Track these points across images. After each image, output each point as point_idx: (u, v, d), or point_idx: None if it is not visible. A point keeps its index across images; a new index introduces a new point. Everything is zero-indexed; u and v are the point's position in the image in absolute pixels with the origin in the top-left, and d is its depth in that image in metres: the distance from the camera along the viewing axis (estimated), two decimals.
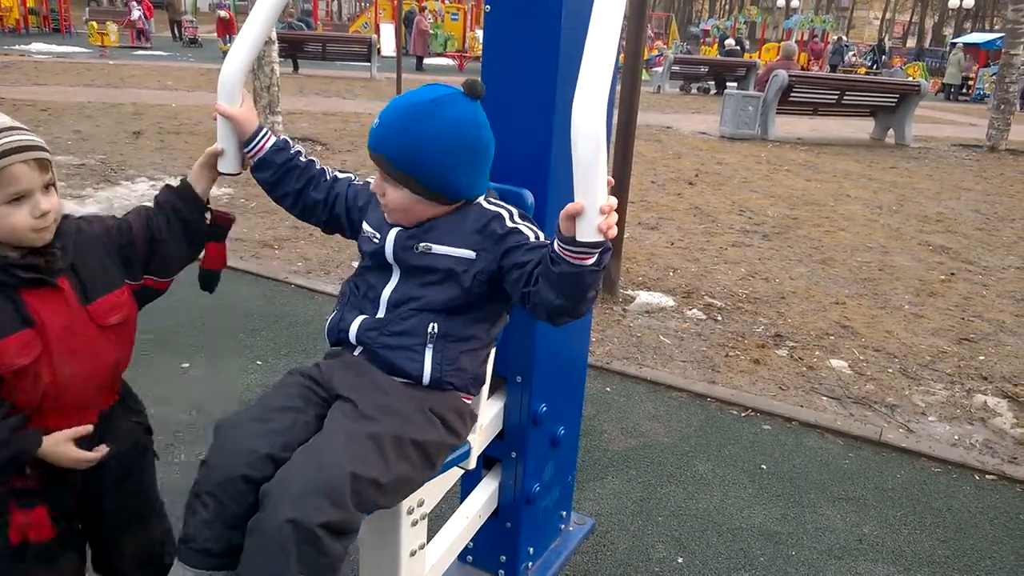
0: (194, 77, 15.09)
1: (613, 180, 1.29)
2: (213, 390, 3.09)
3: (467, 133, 1.45)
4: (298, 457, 1.32)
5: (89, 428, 1.42)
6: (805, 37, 33.13)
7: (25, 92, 11.32)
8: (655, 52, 23.79)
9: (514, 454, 1.94)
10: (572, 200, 1.23)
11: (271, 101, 7.95)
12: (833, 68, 28.39)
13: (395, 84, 10.46)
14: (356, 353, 1.54)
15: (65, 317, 1.36)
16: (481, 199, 1.55)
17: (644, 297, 4.43)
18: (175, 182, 1.63)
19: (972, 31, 40.98)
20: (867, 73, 27.50)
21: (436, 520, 1.79)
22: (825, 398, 3.41)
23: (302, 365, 1.57)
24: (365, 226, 1.60)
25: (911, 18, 58.07)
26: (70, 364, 1.37)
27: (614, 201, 1.24)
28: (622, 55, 4.53)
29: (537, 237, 1.49)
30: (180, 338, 3.55)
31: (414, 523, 1.54)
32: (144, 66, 17.17)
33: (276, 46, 8.22)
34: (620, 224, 4.42)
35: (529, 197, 1.67)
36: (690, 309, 4.36)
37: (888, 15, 58.58)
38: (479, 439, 1.72)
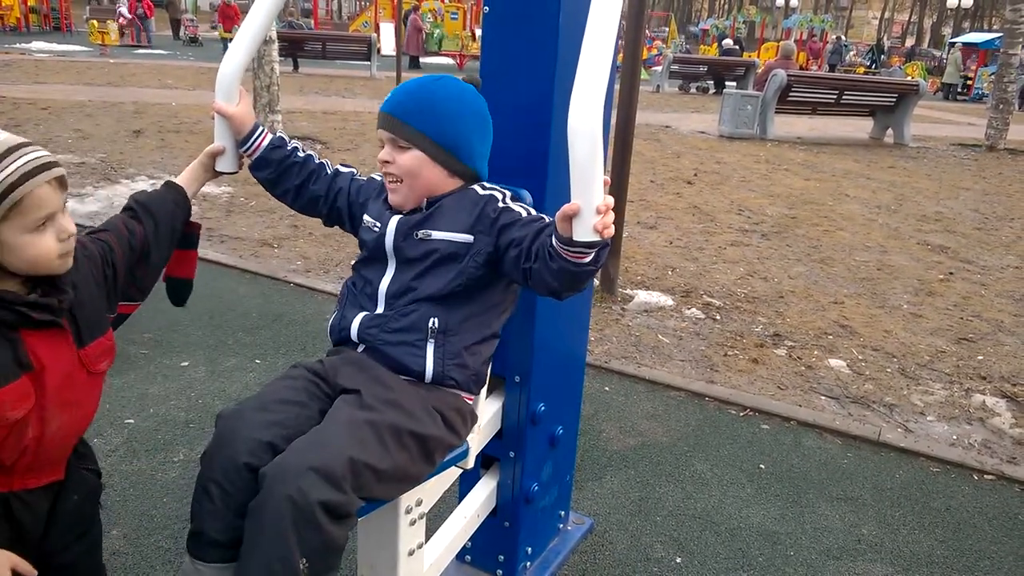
0: (194, 76, 15.08)
1: (610, 179, 1.28)
2: (212, 389, 3.08)
3: (473, 100, 1.55)
4: (297, 443, 1.32)
5: (35, 573, 1.22)
6: (804, 36, 33.14)
7: (25, 91, 11.31)
8: (654, 51, 23.80)
9: (512, 453, 1.94)
10: (570, 199, 1.23)
11: (271, 100, 7.95)
12: (832, 67, 28.41)
13: (395, 83, 10.45)
14: (359, 350, 1.54)
15: (67, 363, 1.21)
16: (476, 185, 1.57)
17: (643, 296, 4.43)
18: (158, 185, 1.55)
19: (971, 31, 41.03)
20: (866, 73, 27.51)
21: (434, 520, 1.79)
22: (824, 398, 3.41)
23: (306, 360, 1.57)
24: (366, 217, 1.61)
25: (910, 18, 58.08)
26: (59, 417, 1.21)
27: (610, 200, 1.24)
28: (620, 54, 4.54)
29: (530, 214, 1.50)
30: (179, 337, 3.55)
31: (412, 522, 1.55)
32: (144, 65, 17.15)
33: (276, 45, 8.22)
34: (619, 223, 4.45)
35: (527, 197, 1.67)
36: (689, 308, 4.36)
37: (887, 15, 58.60)
38: (477, 439, 1.73)
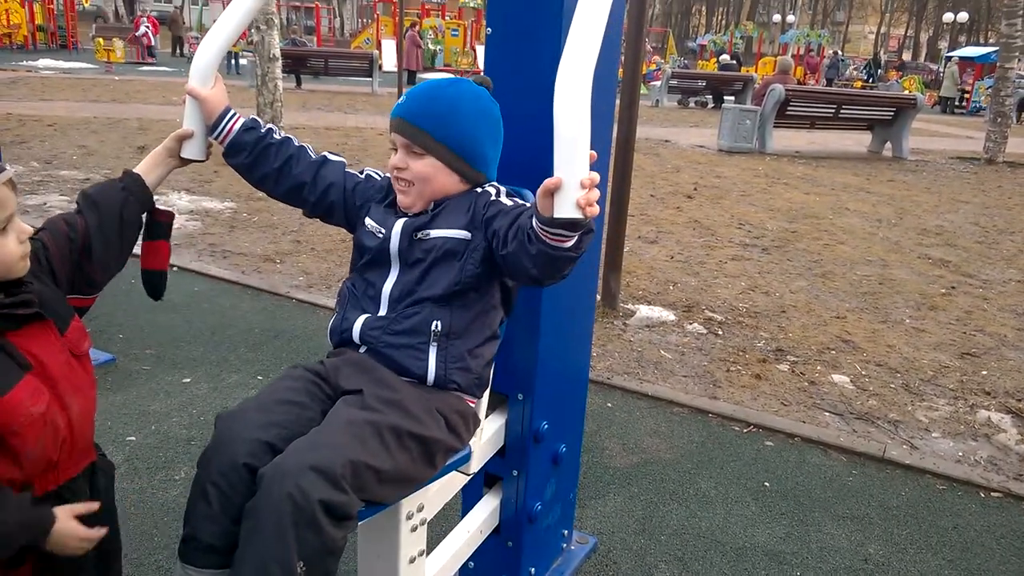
0: None
1: (596, 154, 1.20)
2: (215, 405, 3.07)
3: (488, 104, 1.54)
4: (297, 443, 1.29)
5: (96, 505, 1.28)
6: (801, 51, 33.36)
7: (31, 107, 11.38)
8: (653, 67, 23.94)
9: (515, 472, 1.93)
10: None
11: (274, 116, 8.00)
12: (829, 82, 28.56)
13: (396, 99, 10.50)
14: (361, 352, 1.52)
15: (59, 350, 1.24)
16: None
17: (644, 311, 4.42)
18: (113, 177, 1.48)
19: (967, 45, 41.27)
20: (863, 87, 27.66)
21: (436, 540, 1.78)
22: (827, 414, 3.40)
23: (306, 361, 1.54)
24: (368, 221, 1.57)
25: (906, 32, 58.46)
26: (76, 401, 1.25)
27: (596, 176, 1.17)
28: (620, 70, 4.55)
29: (516, 204, 1.48)
30: (181, 353, 3.53)
31: (413, 528, 1.52)
32: (148, 81, 17.26)
33: (280, 62, 8.27)
34: (620, 238, 4.45)
35: (530, 196, 1.66)
36: (691, 323, 4.35)
37: (883, 29, 58.97)
38: (480, 444, 1.70)
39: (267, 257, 5.07)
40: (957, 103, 25.91)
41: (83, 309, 1.38)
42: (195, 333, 3.75)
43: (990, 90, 16.10)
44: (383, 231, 1.53)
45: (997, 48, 15.32)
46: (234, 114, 1.60)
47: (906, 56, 49.29)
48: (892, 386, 3.73)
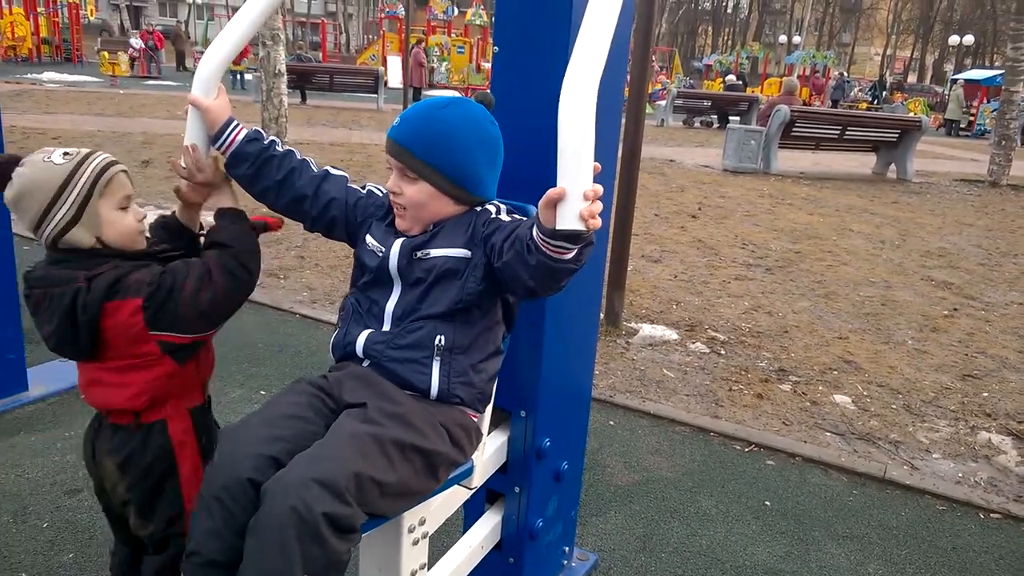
0: None
1: (600, 165, 1.21)
2: (218, 420, 3.08)
3: (485, 127, 1.52)
4: (300, 457, 1.29)
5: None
6: (807, 72, 33.53)
7: (36, 120, 11.46)
8: (658, 86, 24.10)
9: (517, 488, 1.94)
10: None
11: (279, 132, 8.08)
12: (834, 103, 28.69)
13: None
14: (364, 365, 1.52)
15: None
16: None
17: (647, 330, 4.44)
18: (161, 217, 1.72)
19: (972, 67, 41.46)
20: (868, 108, 27.78)
21: (437, 555, 1.79)
22: (829, 434, 3.40)
23: (309, 376, 1.56)
24: (369, 239, 1.58)
25: (912, 54, 58.77)
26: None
27: (599, 188, 1.17)
28: (626, 89, 4.60)
29: (514, 220, 1.48)
30: None
31: (415, 542, 1.53)
32: (153, 95, 17.42)
33: (285, 78, 8.36)
34: (624, 257, 4.47)
35: (533, 211, 1.68)
36: (693, 342, 4.37)
37: (889, 51, 59.30)
38: (482, 460, 1.71)
39: (271, 272, 5.11)
40: (962, 126, 25.99)
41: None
42: None
43: (995, 113, 16.16)
44: (383, 250, 1.54)
45: (1003, 71, 15.39)
46: (237, 124, 1.59)
47: (911, 78, 49.51)
48: (893, 407, 3.73)
